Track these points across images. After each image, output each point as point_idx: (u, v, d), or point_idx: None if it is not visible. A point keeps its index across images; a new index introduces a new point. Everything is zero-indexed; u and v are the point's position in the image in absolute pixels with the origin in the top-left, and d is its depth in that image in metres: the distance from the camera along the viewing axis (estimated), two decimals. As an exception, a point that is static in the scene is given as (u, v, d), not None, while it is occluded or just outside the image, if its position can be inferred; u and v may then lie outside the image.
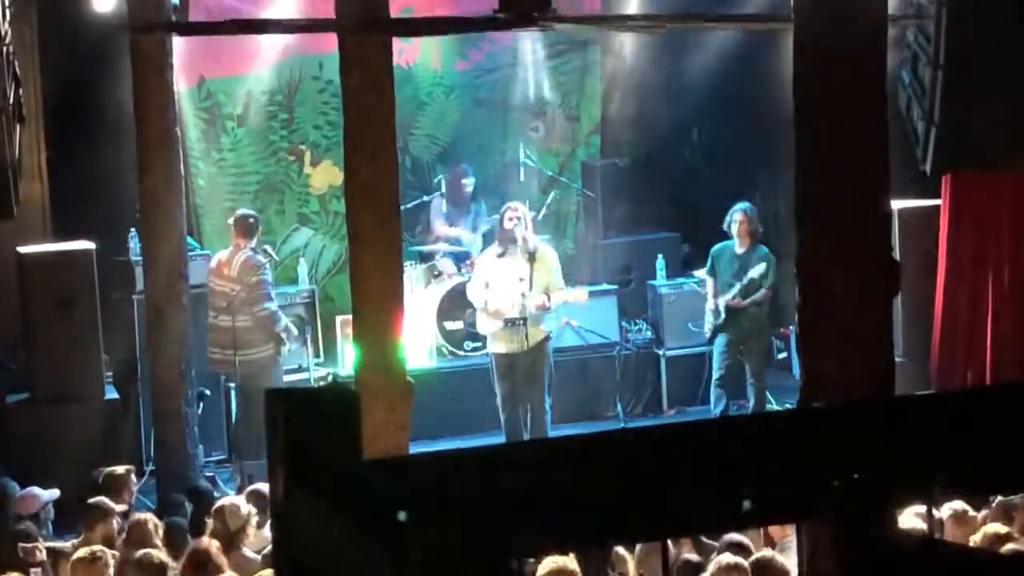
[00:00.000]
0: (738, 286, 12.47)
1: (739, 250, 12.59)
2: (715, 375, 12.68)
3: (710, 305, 12.71)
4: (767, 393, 12.88)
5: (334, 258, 14.55)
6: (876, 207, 6.97)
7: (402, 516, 2.63)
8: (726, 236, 12.80)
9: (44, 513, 9.52)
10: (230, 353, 11.88)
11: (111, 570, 7.94)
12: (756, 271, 12.40)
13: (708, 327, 12.75)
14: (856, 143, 6.79)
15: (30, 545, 8.40)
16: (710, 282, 12.80)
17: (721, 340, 12.63)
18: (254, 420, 11.87)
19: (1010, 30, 10.32)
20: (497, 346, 12.07)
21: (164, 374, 11.35)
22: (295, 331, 12.35)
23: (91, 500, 9.11)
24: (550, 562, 7.00)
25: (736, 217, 12.56)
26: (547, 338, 12.13)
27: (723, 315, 12.54)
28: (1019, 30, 10.31)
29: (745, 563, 7.12)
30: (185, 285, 11.40)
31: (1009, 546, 7.58)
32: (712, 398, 12.72)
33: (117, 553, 8.39)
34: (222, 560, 7.88)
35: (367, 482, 2.74)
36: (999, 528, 7.87)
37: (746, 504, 3.03)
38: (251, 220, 12.31)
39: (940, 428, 3.29)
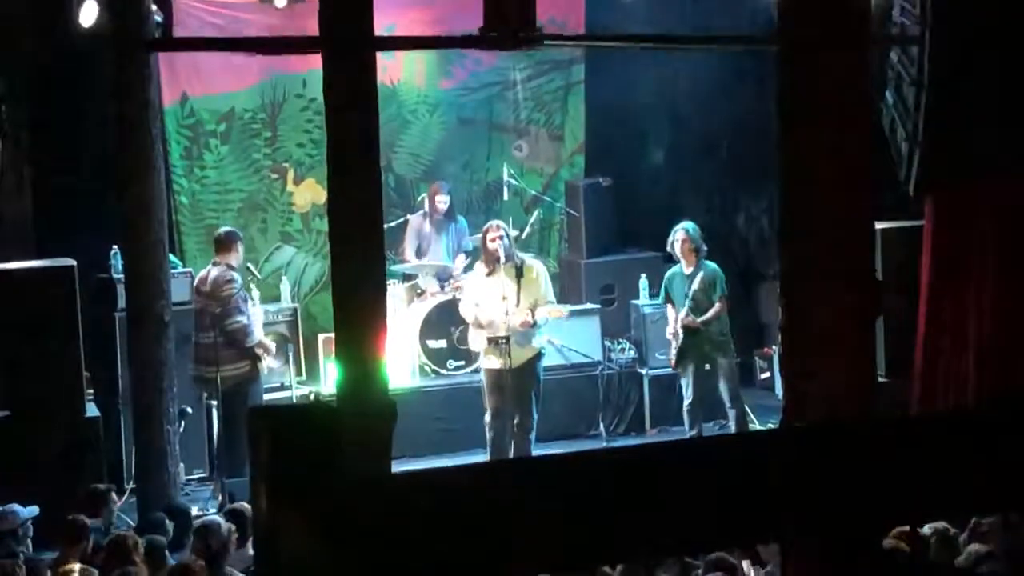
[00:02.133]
0: (686, 305, 12.41)
1: (687, 271, 12.50)
2: (686, 400, 12.60)
3: (670, 330, 12.60)
4: (750, 413, 12.86)
5: (317, 276, 14.53)
6: (859, 227, 6.98)
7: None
8: (711, 256, 12.75)
9: (23, 530, 9.48)
10: (210, 370, 11.87)
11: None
12: (695, 284, 12.34)
13: (672, 354, 12.64)
14: (840, 163, 6.80)
15: (9, 562, 8.36)
16: (668, 310, 12.72)
17: (687, 363, 12.53)
18: (234, 438, 11.87)
19: (993, 51, 10.36)
20: (489, 362, 12.06)
21: (146, 392, 11.31)
22: (271, 346, 12.32)
23: (70, 517, 9.08)
24: None
25: (677, 236, 12.49)
26: (538, 356, 12.09)
27: (681, 337, 12.47)
28: (1001, 51, 10.35)
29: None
30: (167, 303, 11.38)
31: (989, 565, 7.59)
32: (686, 422, 12.66)
33: (92, 570, 8.36)
34: (203, 578, 7.87)
35: (349, 500, 2.73)
36: (980, 548, 7.88)
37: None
38: (222, 235, 12.34)
39: (923, 449, 3.29)
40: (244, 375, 11.90)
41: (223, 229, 12.65)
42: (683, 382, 12.62)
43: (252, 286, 13.03)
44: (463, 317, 12.46)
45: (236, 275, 12.04)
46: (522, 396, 11.92)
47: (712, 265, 12.52)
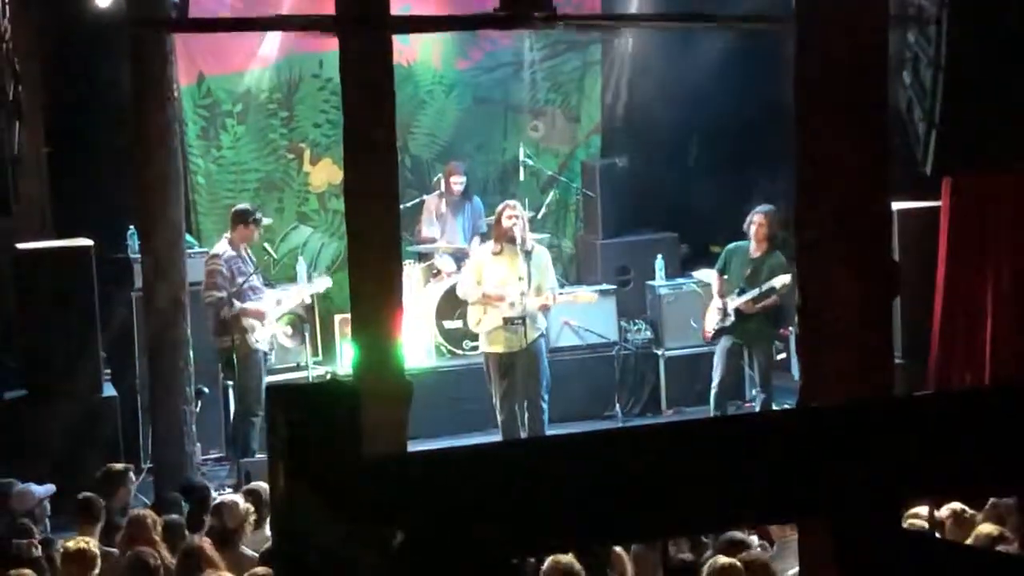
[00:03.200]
0: (756, 291, 12.24)
1: (754, 253, 12.35)
2: (716, 379, 12.52)
3: (716, 303, 12.49)
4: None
5: (333, 256, 14.54)
6: (876, 208, 6.97)
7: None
8: (727, 237, 12.69)
9: (40, 510, 9.52)
10: (216, 339, 12.02)
11: (98, 564, 7.93)
12: (779, 281, 12.14)
13: (712, 326, 12.59)
14: (856, 143, 6.79)
15: (25, 541, 8.39)
16: (717, 279, 12.56)
17: (725, 343, 12.43)
18: (236, 411, 11.95)
19: (1010, 31, 10.34)
20: (492, 345, 12.04)
21: (162, 371, 11.34)
22: (260, 311, 12.08)
23: (86, 496, 9.11)
24: (552, 561, 7.01)
25: (756, 219, 12.31)
26: (540, 336, 12.11)
27: (732, 317, 12.39)
28: (1019, 31, 10.33)
29: (739, 563, 7.12)
30: (183, 282, 11.40)
31: (1001, 547, 7.58)
32: (712, 402, 12.60)
33: (111, 549, 8.39)
34: (216, 556, 7.88)
35: (367, 480, 2.73)
36: (993, 529, 7.88)
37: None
38: (233, 211, 12.45)
39: (939, 429, 3.29)
40: (235, 347, 11.92)
41: (238, 205, 12.69)
42: (716, 359, 12.54)
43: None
44: (459, 295, 12.44)
45: (220, 250, 12.03)
46: (530, 377, 11.94)
47: (782, 257, 12.36)
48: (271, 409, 2.70)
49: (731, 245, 12.60)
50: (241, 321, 11.93)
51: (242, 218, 12.19)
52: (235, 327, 11.90)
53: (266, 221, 12.71)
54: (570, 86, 15.41)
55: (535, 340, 11.98)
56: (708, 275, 12.90)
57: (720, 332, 12.43)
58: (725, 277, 12.50)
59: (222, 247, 12.09)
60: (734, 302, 12.32)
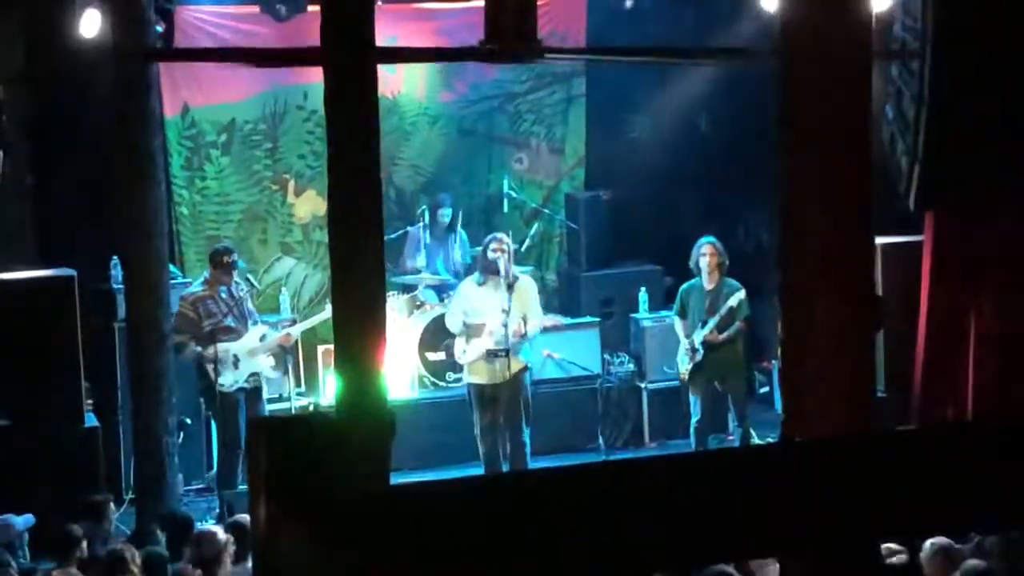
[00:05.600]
0: (716, 319, 12.32)
1: (708, 286, 12.40)
2: (694, 418, 12.53)
3: (684, 345, 12.51)
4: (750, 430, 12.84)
5: (316, 287, 14.53)
6: (859, 241, 6.98)
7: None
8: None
9: (19, 540, 9.47)
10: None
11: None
12: (734, 300, 12.25)
13: (684, 368, 12.58)
14: (840, 177, 6.80)
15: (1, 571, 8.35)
16: (680, 323, 12.66)
17: (699, 380, 12.48)
18: (224, 446, 11.91)
19: (993, 66, 10.37)
20: (476, 377, 12.05)
21: (144, 402, 11.31)
22: (223, 355, 11.91)
23: (67, 528, 9.06)
24: None
25: (705, 250, 12.37)
26: (525, 369, 12.11)
27: (702, 352, 12.40)
28: (1002, 66, 10.36)
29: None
30: (167, 313, 11.37)
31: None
32: (693, 440, 12.61)
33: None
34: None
35: (347, 513, 2.72)
36: (978, 564, 7.87)
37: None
38: (213, 251, 12.40)
39: (921, 464, 3.29)
40: (206, 389, 11.91)
41: (216, 244, 12.69)
42: (692, 399, 12.55)
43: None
44: (447, 326, 12.45)
45: (191, 291, 11.97)
46: (512, 409, 11.94)
47: (736, 283, 12.42)
48: (250, 442, 2.70)
49: (684, 285, 12.66)
50: (203, 365, 11.84)
51: (210, 259, 12.15)
52: (202, 369, 11.84)
53: (241, 265, 12.57)
54: (554, 119, 15.43)
55: (517, 372, 11.98)
56: (677, 325, 12.84)
57: (695, 370, 12.43)
58: (687, 321, 12.52)
59: (195, 287, 12.04)
60: (700, 336, 12.35)
